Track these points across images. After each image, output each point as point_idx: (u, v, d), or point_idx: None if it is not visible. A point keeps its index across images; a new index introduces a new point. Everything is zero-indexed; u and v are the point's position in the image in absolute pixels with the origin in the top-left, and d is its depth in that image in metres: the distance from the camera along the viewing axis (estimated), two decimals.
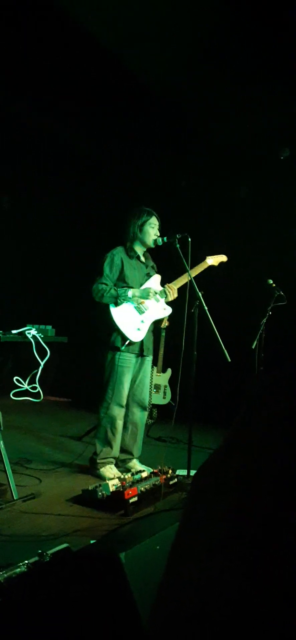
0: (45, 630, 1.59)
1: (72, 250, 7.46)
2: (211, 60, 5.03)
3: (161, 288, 4.30)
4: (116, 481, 3.44)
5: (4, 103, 5.81)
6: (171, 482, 3.70)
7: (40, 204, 7.62)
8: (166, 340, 6.37)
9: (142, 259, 4.34)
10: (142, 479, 3.54)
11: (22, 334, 3.74)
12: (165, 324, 6.60)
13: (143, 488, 3.42)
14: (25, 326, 3.84)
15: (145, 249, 4.34)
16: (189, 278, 4.01)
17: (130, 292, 4.10)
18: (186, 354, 3.91)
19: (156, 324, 4.40)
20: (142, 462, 4.31)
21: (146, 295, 4.15)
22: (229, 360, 3.85)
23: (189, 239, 3.97)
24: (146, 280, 4.30)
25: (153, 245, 4.26)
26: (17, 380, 3.97)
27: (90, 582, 1.58)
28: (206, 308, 3.93)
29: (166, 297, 4.26)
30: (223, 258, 4.52)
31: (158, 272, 4.46)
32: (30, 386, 3.93)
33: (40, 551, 1.95)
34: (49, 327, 4.05)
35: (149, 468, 3.98)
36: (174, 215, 6.48)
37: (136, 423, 4.28)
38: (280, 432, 0.51)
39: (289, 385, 0.55)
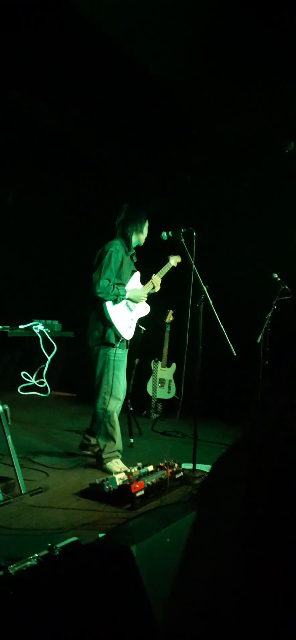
0: (57, 622, 1.61)
1: (78, 246, 7.46)
2: (214, 57, 5.01)
3: (141, 286, 4.40)
4: (122, 475, 3.46)
5: (5, 101, 5.81)
6: (177, 476, 3.72)
7: (47, 199, 7.62)
8: (171, 334, 6.40)
9: (134, 257, 4.40)
10: (148, 473, 3.57)
11: (29, 329, 3.77)
12: (170, 318, 6.64)
13: (150, 482, 3.44)
14: (32, 321, 3.87)
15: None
16: (195, 272, 4.03)
17: (128, 293, 4.17)
18: (191, 349, 3.93)
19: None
20: (148, 456, 4.35)
21: (138, 301, 4.28)
22: (235, 354, 3.86)
23: (195, 233, 3.98)
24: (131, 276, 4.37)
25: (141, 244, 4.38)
26: (24, 375, 4.00)
27: (101, 575, 1.60)
28: (211, 302, 3.95)
29: (153, 289, 4.40)
30: (178, 259, 4.59)
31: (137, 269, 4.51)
32: (38, 381, 3.96)
33: (50, 544, 1.97)
34: (56, 322, 4.08)
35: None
36: (175, 210, 6.51)
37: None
38: (279, 431, 0.52)
39: (289, 384, 0.57)
